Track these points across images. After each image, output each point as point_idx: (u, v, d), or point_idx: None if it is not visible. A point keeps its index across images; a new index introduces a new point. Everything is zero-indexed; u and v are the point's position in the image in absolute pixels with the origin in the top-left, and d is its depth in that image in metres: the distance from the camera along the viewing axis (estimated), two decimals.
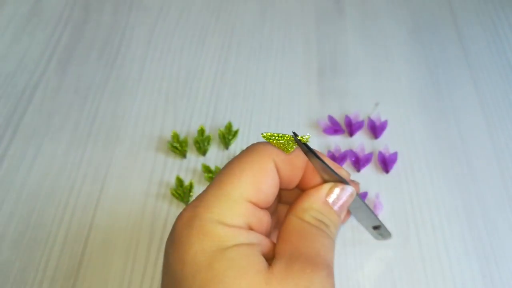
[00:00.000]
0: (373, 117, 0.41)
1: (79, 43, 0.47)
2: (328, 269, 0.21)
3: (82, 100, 0.43)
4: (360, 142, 0.39)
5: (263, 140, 0.23)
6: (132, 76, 0.45)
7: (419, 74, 0.45)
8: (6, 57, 0.46)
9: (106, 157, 0.39)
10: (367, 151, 0.39)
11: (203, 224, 0.20)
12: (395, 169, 0.38)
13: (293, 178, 0.24)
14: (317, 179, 0.24)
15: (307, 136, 0.23)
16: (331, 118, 0.41)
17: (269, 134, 0.23)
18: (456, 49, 0.47)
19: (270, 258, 0.22)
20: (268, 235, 0.24)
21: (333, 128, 0.40)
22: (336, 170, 0.24)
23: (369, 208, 0.27)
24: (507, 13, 0.50)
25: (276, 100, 0.43)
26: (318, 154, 0.24)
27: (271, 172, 0.23)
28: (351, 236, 0.35)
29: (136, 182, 0.38)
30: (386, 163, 0.38)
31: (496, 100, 0.43)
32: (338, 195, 0.24)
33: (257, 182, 0.22)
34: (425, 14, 0.50)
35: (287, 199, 0.28)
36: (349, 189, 0.24)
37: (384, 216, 0.36)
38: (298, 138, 0.23)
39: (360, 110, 0.42)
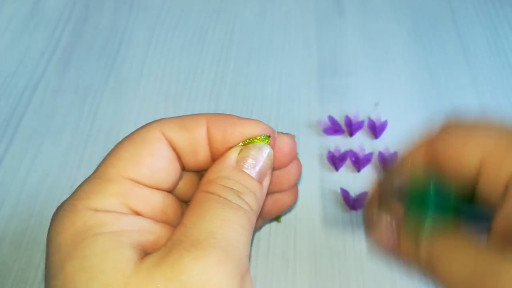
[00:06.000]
0: (373, 117, 0.41)
1: (79, 43, 0.47)
2: (223, 252, 0.15)
3: (82, 100, 0.43)
4: (360, 142, 0.39)
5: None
6: (132, 76, 0.45)
7: (419, 74, 0.45)
8: (6, 57, 0.46)
9: None
10: (367, 151, 0.39)
11: (65, 214, 0.17)
12: None
13: (198, 150, 0.19)
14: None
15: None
16: (331, 118, 0.41)
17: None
18: (456, 49, 0.47)
19: None
20: (170, 222, 0.19)
21: (333, 128, 0.40)
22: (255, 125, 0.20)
23: None
24: (507, 12, 0.50)
25: (276, 100, 0.43)
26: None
27: (156, 143, 0.19)
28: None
29: None
30: (386, 164, 0.38)
31: (496, 99, 0.43)
32: (254, 157, 0.19)
33: (137, 155, 0.18)
34: (425, 14, 0.50)
35: None
36: (266, 149, 0.20)
37: None
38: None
39: (360, 110, 0.42)
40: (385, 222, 0.22)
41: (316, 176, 0.38)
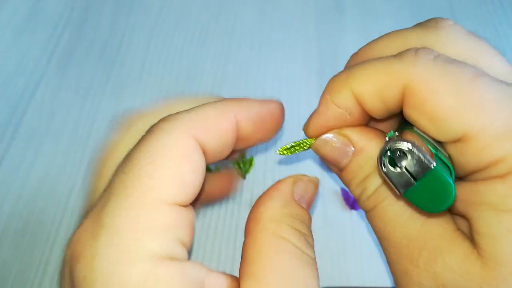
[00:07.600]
0: None
1: (79, 43, 0.47)
2: None
3: (82, 100, 0.43)
4: None
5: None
6: (132, 76, 0.45)
7: None
8: (6, 57, 0.46)
9: None
10: None
11: (109, 273, 0.13)
12: None
13: (225, 146, 0.17)
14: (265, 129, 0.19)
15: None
16: None
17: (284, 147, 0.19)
18: None
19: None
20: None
21: None
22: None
23: None
24: (507, 13, 0.50)
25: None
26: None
27: (194, 155, 0.15)
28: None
29: None
30: None
31: None
32: (305, 189, 0.19)
33: (180, 173, 0.15)
34: (425, 13, 0.50)
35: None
36: (314, 179, 0.20)
37: None
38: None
39: None
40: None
41: (316, 176, 0.38)
